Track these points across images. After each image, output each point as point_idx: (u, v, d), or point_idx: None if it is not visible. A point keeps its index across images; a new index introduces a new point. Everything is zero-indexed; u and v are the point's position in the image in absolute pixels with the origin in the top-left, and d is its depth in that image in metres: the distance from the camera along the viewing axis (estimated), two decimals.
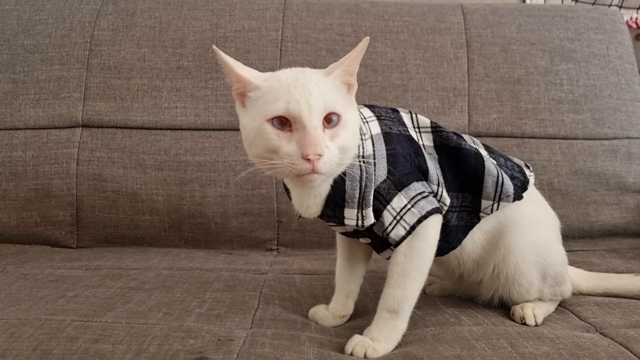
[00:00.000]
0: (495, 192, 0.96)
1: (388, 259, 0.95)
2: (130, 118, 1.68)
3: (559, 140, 1.72)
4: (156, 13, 1.76)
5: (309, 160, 0.78)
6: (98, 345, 0.84)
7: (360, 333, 0.91)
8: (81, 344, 0.84)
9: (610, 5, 2.19)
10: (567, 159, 1.69)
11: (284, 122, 0.82)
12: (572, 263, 1.13)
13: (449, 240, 0.97)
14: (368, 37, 0.86)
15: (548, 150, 1.70)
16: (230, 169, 1.64)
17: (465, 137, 1.02)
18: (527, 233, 1.01)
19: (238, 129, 0.91)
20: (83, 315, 0.97)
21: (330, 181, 0.89)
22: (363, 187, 0.89)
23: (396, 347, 0.89)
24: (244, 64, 0.89)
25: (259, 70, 0.91)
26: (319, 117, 0.81)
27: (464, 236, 0.99)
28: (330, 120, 0.82)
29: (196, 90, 1.70)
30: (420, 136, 0.99)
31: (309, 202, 0.92)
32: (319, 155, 0.78)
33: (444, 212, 0.94)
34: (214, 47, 0.86)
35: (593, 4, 2.20)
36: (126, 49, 1.73)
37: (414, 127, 0.99)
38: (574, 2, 2.21)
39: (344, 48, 1.72)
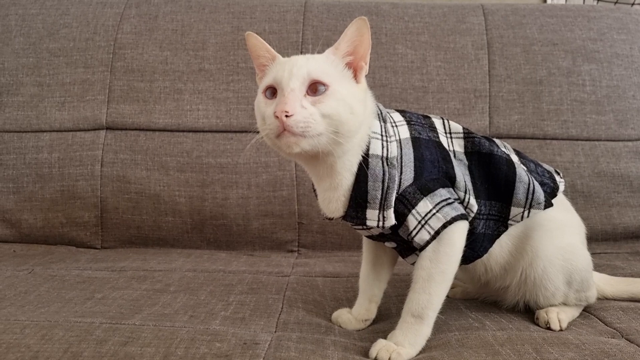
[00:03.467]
0: (527, 199, 0.96)
1: (413, 264, 0.95)
2: (153, 120, 1.70)
3: (581, 141, 1.71)
4: (178, 16, 1.78)
5: (278, 118, 0.82)
6: (127, 348, 0.85)
7: (384, 337, 0.92)
8: (110, 346, 0.86)
9: (633, 5, 2.16)
10: (589, 160, 1.68)
11: (274, 92, 0.88)
12: (595, 266, 1.12)
13: (474, 248, 0.97)
14: (363, 17, 0.89)
15: (570, 151, 1.69)
16: (251, 170, 1.65)
17: (497, 142, 1.02)
18: (554, 237, 1.01)
19: (256, 132, 0.92)
20: (111, 317, 0.99)
21: (349, 178, 0.91)
22: (385, 188, 0.89)
23: (420, 352, 0.90)
24: None
25: None
26: (298, 82, 0.85)
27: (491, 245, 0.99)
28: (316, 89, 0.85)
29: (218, 93, 1.72)
30: (452, 142, 0.99)
31: (331, 196, 0.93)
32: (286, 112, 0.82)
33: (470, 218, 0.94)
34: (249, 32, 0.94)
35: (615, 3, 2.17)
36: (149, 52, 1.75)
37: (446, 133, 0.99)
38: (596, 2, 2.18)
39: None
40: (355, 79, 0.91)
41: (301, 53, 1.74)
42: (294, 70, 0.86)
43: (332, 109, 0.84)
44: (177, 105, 1.71)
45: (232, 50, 1.74)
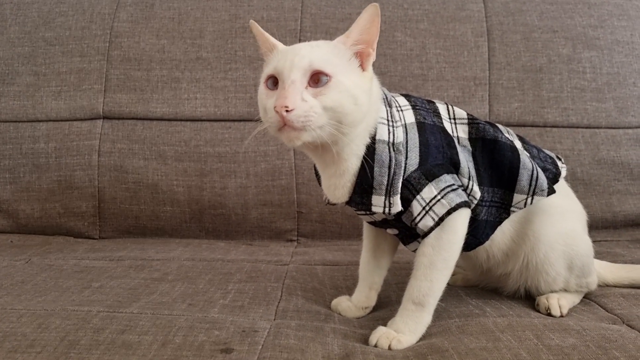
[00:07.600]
0: (530, 186, 0.95)
1: (414, 251, 0.94)
2: (150, 109, 1.69)
3: (581, 129, 1.69)
4: (175, 4, 1.76)
5: (278, 113, 0.80)
6: (124, 336, 0.84)
7: (384, 324, 0.91)
8: (108, 334, 0.85)
9: None
10: (590, 148, 1.67)
11: (275, 82, 0.85)
12: (596, 254, 1.11)
13: (476, 235, 0.96)
14: (375, 4, 0.86)
15: (571, 139, 1.68)
16: (250, 160, 1.64)
17: (501, 127, 1.00)
18: (555, 222, 1.00)
19: (258, 120, 0.91)
20: (109, 306, 0.98)
21: (356, 164, 0.89)
22: (391, 175, 0.88)
23: (420, 339, 0.89)
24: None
25: None
26: (299, 73, 0.82)
27: (492, 232, 0.98)
28: (318, 80, 0.82)
29: (216, 81, 1.70)
30: (456, 128, 0.97)
31: (337, 183, 0.91)
32: (286, 107, 0.79)
33: (473, 206, 0.93)
34: (252, 21, 0.93)
35: None
36: (145, 41, 1.73)
37: (450, 119, 0.98)
38: None
39: None
40: (362, 66, 0.88)
41: (299, 41, 1.73)
42: (296, 60, 0.82)
43: (334, 102, 0.82)
44: (175, 94, 1.70)
45: (229, 39, 1.73)
